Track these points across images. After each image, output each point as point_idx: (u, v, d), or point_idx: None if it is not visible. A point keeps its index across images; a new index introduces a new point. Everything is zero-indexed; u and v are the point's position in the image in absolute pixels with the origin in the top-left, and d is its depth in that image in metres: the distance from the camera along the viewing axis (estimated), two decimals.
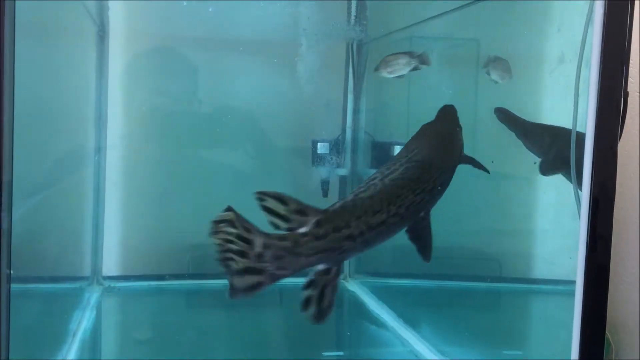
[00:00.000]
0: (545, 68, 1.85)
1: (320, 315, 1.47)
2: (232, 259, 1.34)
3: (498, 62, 1.98)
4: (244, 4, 2.24)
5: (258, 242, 1.33)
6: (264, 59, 2.64)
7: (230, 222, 1.36)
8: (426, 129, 1.84)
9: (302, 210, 1.40)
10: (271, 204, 1.38)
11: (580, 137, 1.33)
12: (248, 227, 1.34)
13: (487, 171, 1.82)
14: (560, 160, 1.78)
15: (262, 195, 1.38)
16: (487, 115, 2.13)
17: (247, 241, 1.33)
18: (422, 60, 2.15)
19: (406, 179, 1.57)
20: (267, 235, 1.34)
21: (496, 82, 1.98)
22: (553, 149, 1.83)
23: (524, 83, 1.91)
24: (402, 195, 1.53)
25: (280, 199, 1.39)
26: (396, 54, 2.19)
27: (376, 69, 2.22)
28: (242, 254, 1.33)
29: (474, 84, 2.27)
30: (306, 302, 1.45)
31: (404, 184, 1.56)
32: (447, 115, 1.88)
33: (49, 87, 1.89)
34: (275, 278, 1.36)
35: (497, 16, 2.05)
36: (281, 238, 1.35)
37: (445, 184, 1.69)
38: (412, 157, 1.65)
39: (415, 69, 2.15)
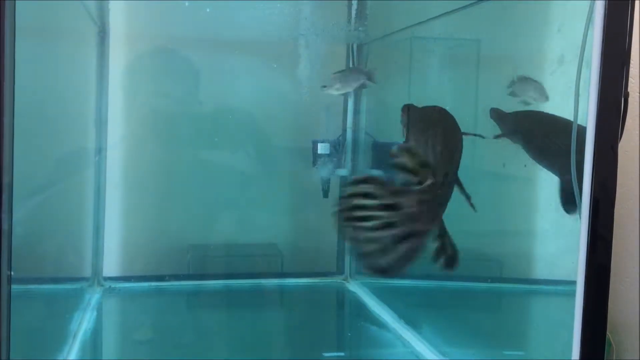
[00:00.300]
0: (546, 68, 1.84)
1: (451, 262, 1.56)
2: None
3: (527, 83, 1.93)
4: (244, 4, 2.24)
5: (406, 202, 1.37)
6: (265, 59, 2.65)
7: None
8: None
9: (425, 164, 1.46)
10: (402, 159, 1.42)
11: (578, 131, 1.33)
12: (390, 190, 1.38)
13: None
14: (541, 148, 1.77)
15: (396, 152, 1.45)
16: (486, 115, 2.13)
17: (392, 206, 1.36)
18: (370, 77, 2.16)
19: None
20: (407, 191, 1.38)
21: (528, 104, 1.93)
22: (535, 134, 1.82)
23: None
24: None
25: (410, 152, 1.46)
26: (344, 70, 2.21)
27: (324, 86, 2.23)
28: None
29: (474, 84, 2.27)
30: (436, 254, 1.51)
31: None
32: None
33: (50, 88, 1.89)
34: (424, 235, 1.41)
35: (498, 17, 2.05)
36: (422, 191, 1.41)
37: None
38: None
39: (362, 86, 2.17)
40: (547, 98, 1.87)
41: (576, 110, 1.37)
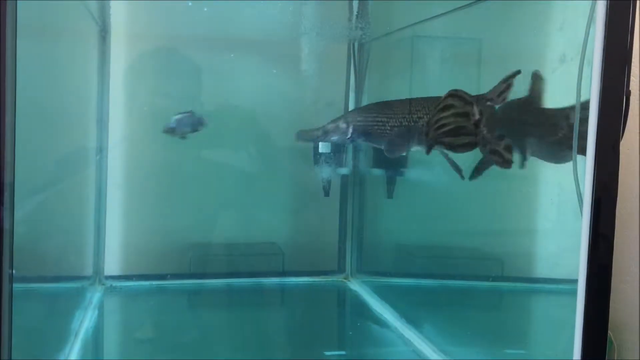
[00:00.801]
0: (547, 67, 1.84)
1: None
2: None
3: None
4: (245, 3, 2.24)
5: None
6: (266, 58, 2.65)
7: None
8: None
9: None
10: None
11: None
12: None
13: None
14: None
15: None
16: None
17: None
18: (201, 122, 2.25)
19: None
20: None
21: None
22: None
23: (527, 82, 1.90)
24: None
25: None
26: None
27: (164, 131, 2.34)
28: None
29: (476, 83, 2.27)
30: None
31: None
32: None
33: (51, 88, 1.89)
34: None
35: (499, 16, 2.05)
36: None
37: None
38: None
39: (194, 130, 2.26)
40: None
41: (578, 109, 1.37)
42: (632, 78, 1.31)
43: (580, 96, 1.35)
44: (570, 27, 1.71)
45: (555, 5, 1.89)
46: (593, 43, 1.25)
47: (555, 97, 1.67)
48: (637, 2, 1.24)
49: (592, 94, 1.24)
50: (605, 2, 1.22)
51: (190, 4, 2.28)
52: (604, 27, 1.22)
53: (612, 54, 1.23)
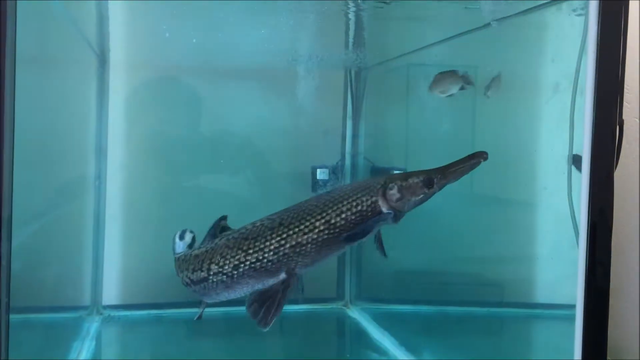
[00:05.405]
0: (541, 96, 1.86)
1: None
2: None
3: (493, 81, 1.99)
4: (242, 32, 2.26)
5: None
6: (263, 86, 2.66)
7: None
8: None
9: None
10: None
11: None
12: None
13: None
14: None
15: None
16: (484, 141, 2.14)
17: None
18: (467, 80, 2.17)
19: (241, 236, 1.67)
20: None
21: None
22: None
23: (521, 112, 1.92)
24: (228, 255, 1.64)
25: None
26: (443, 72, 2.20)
27: (430, 89, 2.21)
28: None
29: (471, 111, 2.29)
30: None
31: (234, 243, 1.66)
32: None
33: (49, 117, 1.90)
34: None
35: (493, 45, 2.07)
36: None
37: (313, 244, 1.60)
38: (273, 215, 1.70)
39: (462, 88, 2.16)
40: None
41: (571, 138, 1.38)
42: (626, 104, 1.32)
43: (573, 125, 1.37)
44: (563, 58, 1.73)
45: (547, 36, 1.91)
46: (585, 74, 1.26)
47: (550, 126, 1.69)
48: (627, 33, 1.25)
49: (586, 124, 1.26)
50: (595, 33, 1.24)
51: (194, 40, 2.31)
52: (595, 59, 1.24)
53: (605, 85, 1.24)
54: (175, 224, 2.66)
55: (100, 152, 2.55)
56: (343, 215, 1.56)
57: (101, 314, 2.58)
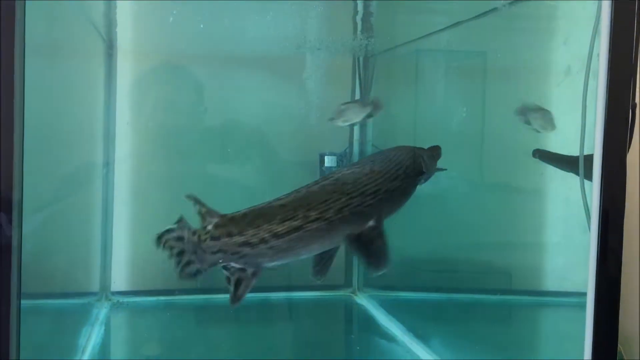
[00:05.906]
0: (552, 80, 1.84)
1: (231, 300, 1.62)
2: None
3: (540, 113, 1.94)
4: (250, 19, 2.25)
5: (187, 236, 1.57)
6: (271, 73, 2.65)
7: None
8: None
9: (210, 213, 1.57)
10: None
11: None
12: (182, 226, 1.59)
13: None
14: None
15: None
16: (493, 127, 2.13)
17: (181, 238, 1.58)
18: (376, 106, 2.20)
19: (339, 183, 1.58)
20: (191, 231, 1.57)
21: (538, 132, 1.95)
22: None
23: (531, 95, 1.90)
24: (331, 199, 1.52)
25: (196, 200, 1.59)
26: (349, 102, 2.24)
27: (331, 119, 2.26)
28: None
29: (481, 96, 2.27)
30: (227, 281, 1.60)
31: (335, 188, 1.56)
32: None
33: (58, 104, 1.90)
34: (203, 267, 1.57)
35: (503, 30, 2.05)
36: (193, 233, 1.56)
37: (397, 191, 1.64)
38: (352, 166, 1.70)
39: (369, 116, 2.21)
40: (553, 127, 1.87)
41: (584, 122, 1.37)
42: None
43: (585, 108, 1.35)
44: (575, 41, 1.71)
45: (559, 19, 1.90)
46: (598, 56, 1.25)
47: (561, 109, 1.67)
48: None
49: (598, 108, 1.24)
50: (609, 15, 1.23)
51: (202, 26, 2.30)
52: (608, 41, 1.22)
53: (618, 67, 1.23)
54: (183, 210, 2.67)
55: (109, 139, 2.56)
56: (408, 170, 1.67)
57: (110, 300, 2.59)
